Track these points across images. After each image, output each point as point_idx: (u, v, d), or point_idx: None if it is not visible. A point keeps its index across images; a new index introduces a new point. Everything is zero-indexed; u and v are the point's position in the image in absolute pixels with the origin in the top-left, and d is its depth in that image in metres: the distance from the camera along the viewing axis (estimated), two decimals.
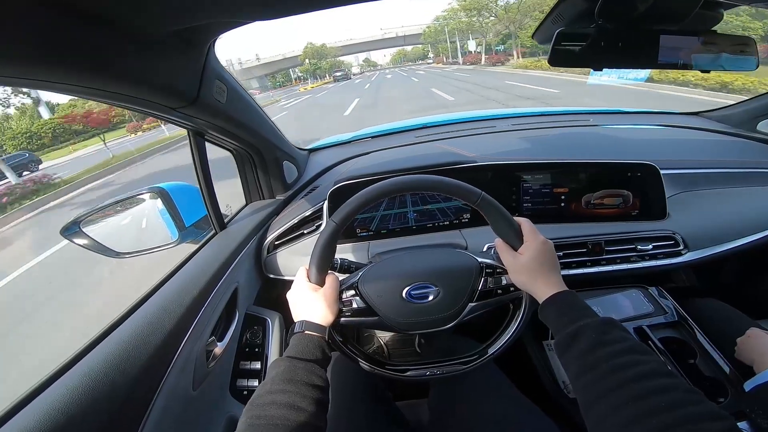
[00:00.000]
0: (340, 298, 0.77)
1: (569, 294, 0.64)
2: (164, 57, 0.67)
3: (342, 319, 0.77)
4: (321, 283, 0.73)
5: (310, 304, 0.70)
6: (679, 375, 0.51)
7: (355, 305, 0.77)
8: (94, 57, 0.54)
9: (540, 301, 0.65)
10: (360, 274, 0.80)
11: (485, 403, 0.81)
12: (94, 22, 0.51)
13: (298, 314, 0.71)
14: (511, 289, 0.77)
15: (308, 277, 0.73)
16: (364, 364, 0.81)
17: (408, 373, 0.82)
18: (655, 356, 0.52)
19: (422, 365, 0.83)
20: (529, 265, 0.68)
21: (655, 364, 0.49)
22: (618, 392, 0.47)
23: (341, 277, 0.81)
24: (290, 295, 0.74)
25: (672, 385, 0.46)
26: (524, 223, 0.72)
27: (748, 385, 0.76)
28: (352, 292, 0.78)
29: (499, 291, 0.77)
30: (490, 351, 0.80)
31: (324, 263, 0.73)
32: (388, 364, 0.83)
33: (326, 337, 0.69)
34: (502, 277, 0.77)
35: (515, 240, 0.71)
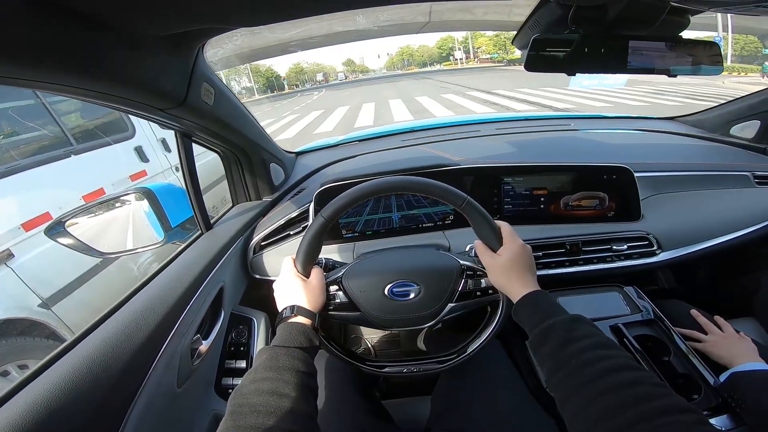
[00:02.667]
0: (327, 291, 0.79)
1: (540, 293, 0.66)
2: (154, 59, 0.68)
3: (326, 312, 0.79)
4: (307, 275, 0.75)
5: (298, 292, 0.72)
6: (646, 368, 0.53)
7: (338, 300, 0.79)
8: (84, 58, 0.55)
9: (514, 301, 0.68)
10: (344, 269, 0.82)
11: (491, 398, 0.83)
12: (86, 23, 0.52)
13: (285, 302, 0.72)
14: (490, 291, 0.79)
15: (295, 267, 0.75)
16: (346, 360, 0.83)
17: (385, 369, 0.85)
18: (623, 351, 0.54)
19: (400, 363, 0.85)
20: (507, 265, 0.70)
21: (623, 358, 0.52)
22: (588, 387, 0.49)
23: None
24: (277, 284, 0.76)
25: (640, 378, 0.47)
26: (504, 226, 0.75)
27: (723, 376, 0.80)
28: (336, 287, 0.80)
29: (478, 293, 0.80)
30: (466, 352, 0.83)
31: (310, 256, 0.75)
32: (368, 360, 0.85)
33: (315, 323, 0.71)
34: (482, 280, 0.79)
35: (495, 242, 0.73)
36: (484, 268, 0.76)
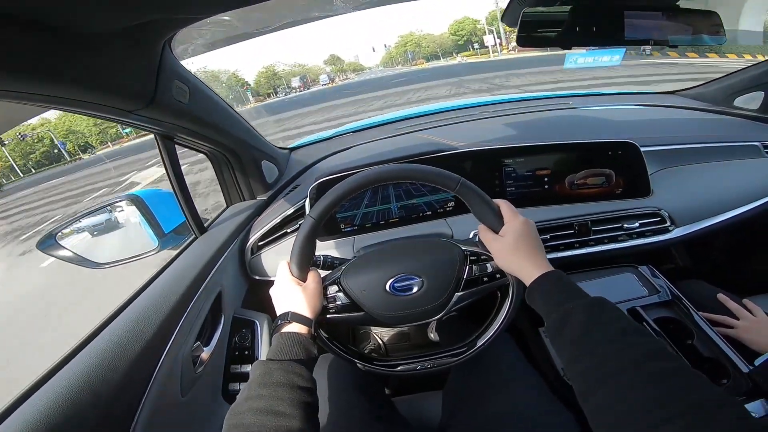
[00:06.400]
0: (325, 294, 0.76)
1: (556, 274, 0.62)
2: (111, 58, 0.65)
3: (329, 316, 0.76)
4: (303, 279, 0.72)
5: (294, 297, 0.69)
6: (680, 356, 0.48)
7: (339, 302, 0.76)
8: (34, 63, 0.52)
9: (527, 284, 0.64)
10: (342, 269, 0.79)
11: (506, 393, 0.80)
12: (30, 27, 0.49)
13: (282, 308, 0.70)
14: (497, 276, 0.76)
15: (290, 272, 0.72)
16: (353, 361, 0.80)
17: (399, 368, 0.82)
18: (652, 336, 0.50)
19: (413, 359, 0.83)
20: (512, 246, 0.66)
21: (653, 345, 0.47)
22: (617, 379, 0.44)
23: (324, 273, 0.80)
24: (273, 291, 0.73)
25: (673, 369, 0.43)
26: (503, 204, 0.71)
27: (758, 361, 0.76)
28: (336, 288, 0.77)
29: (485, 278, 0.76)
30: (479, 342, 0.80)
31: (304, 260, 0.72)
32: (377, 360, 0.82)
33: (313, 331, 0.68)
34: (488, 264, 0.76)
35: (496, 223, 0.70)
36: (488, 252, 0.73)
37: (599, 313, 0.53)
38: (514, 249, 0.66)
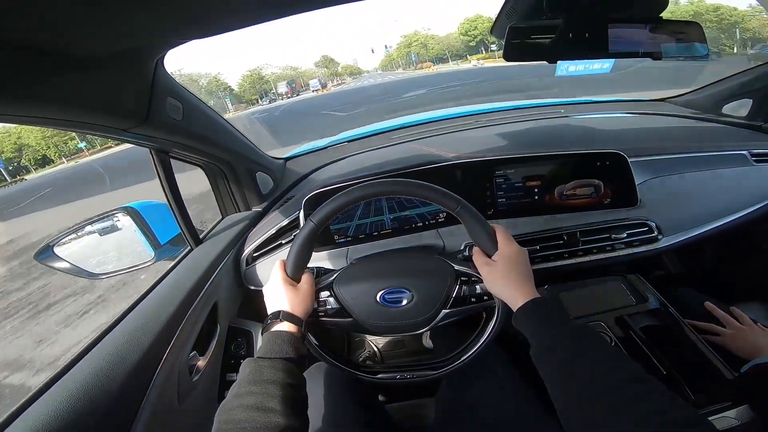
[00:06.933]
0: (317, 297, 0.78)
1: (541, 300, 0.65)
2: (104, 78, 0.66)
3: (318, 319, 0.78)
4: (297, 280, 0.75)
5: (287, 296, 0.71)
6: (655, 379, 0.51)
7: (329, 306, 0.79)
8: (25, 85, 0.53)
9: (514, 309, 0.66)
10: (335, 275, 0.81)
11: (496, 404, 0.81)
12: (22, 50, 0.50)
13: (274, 306, 0.72)
14: (485, 298, 0.78)
15: (285, 272, 0.74)
16: (339, 366, 0.82)
17: (378, 375, 0.84)
18: (631, 362, 0.53)
19: (393, 369, 0.85)
20: (502, 272, 0.69)
21: (632, 370, 0.51)
22: (597, 403, 0.48)
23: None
24: (266, 289, 0.75)
25: (649, 391, 0.47)
26: (499, 230, 0.73)
27: (744, 368, 0.77)
28: (327, 293, 0.79)
29: (473, 299, 0.78)
30: (462, 357, 0.82)
31: (301, 261, 0.74)
32: (362, 366, 0.84)
33: (303, 330, 0.70)
34: (477, 286, 0.78)
35: (490, 247, 0.72)
36: (479, 274, 0.75)
37: (583, 338, 0.56)
38: (505, 275, 0.69)
